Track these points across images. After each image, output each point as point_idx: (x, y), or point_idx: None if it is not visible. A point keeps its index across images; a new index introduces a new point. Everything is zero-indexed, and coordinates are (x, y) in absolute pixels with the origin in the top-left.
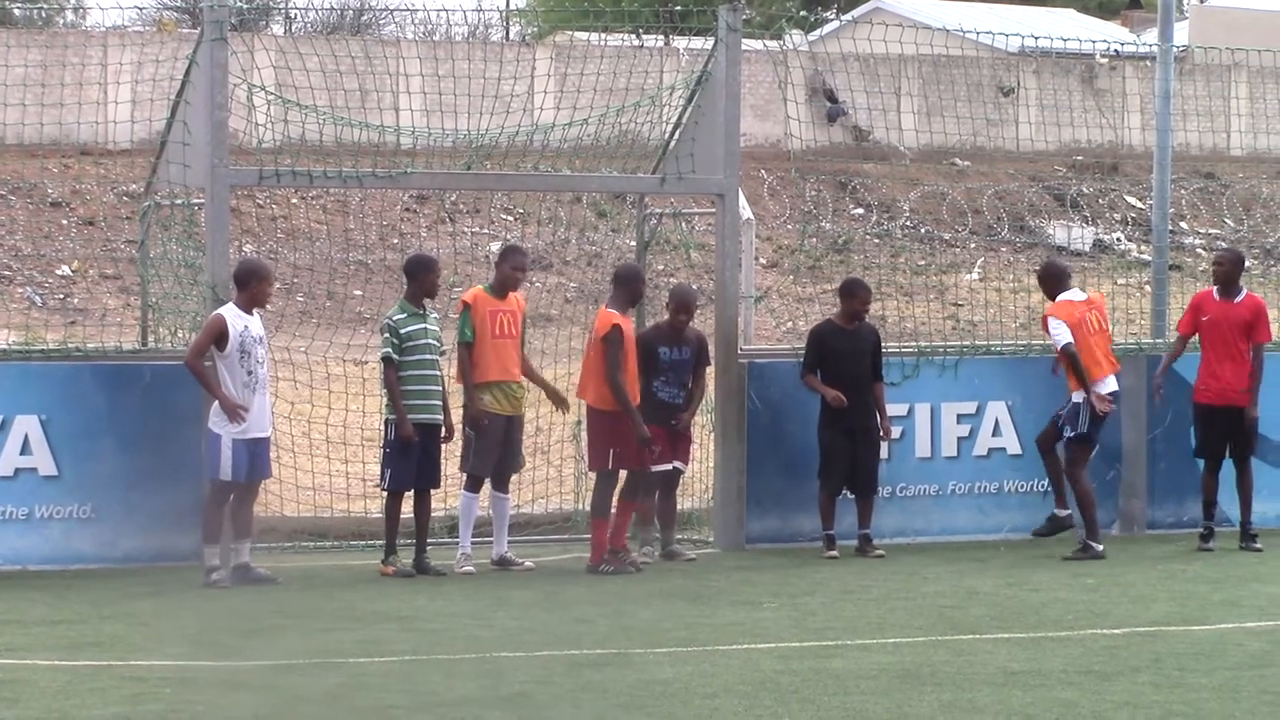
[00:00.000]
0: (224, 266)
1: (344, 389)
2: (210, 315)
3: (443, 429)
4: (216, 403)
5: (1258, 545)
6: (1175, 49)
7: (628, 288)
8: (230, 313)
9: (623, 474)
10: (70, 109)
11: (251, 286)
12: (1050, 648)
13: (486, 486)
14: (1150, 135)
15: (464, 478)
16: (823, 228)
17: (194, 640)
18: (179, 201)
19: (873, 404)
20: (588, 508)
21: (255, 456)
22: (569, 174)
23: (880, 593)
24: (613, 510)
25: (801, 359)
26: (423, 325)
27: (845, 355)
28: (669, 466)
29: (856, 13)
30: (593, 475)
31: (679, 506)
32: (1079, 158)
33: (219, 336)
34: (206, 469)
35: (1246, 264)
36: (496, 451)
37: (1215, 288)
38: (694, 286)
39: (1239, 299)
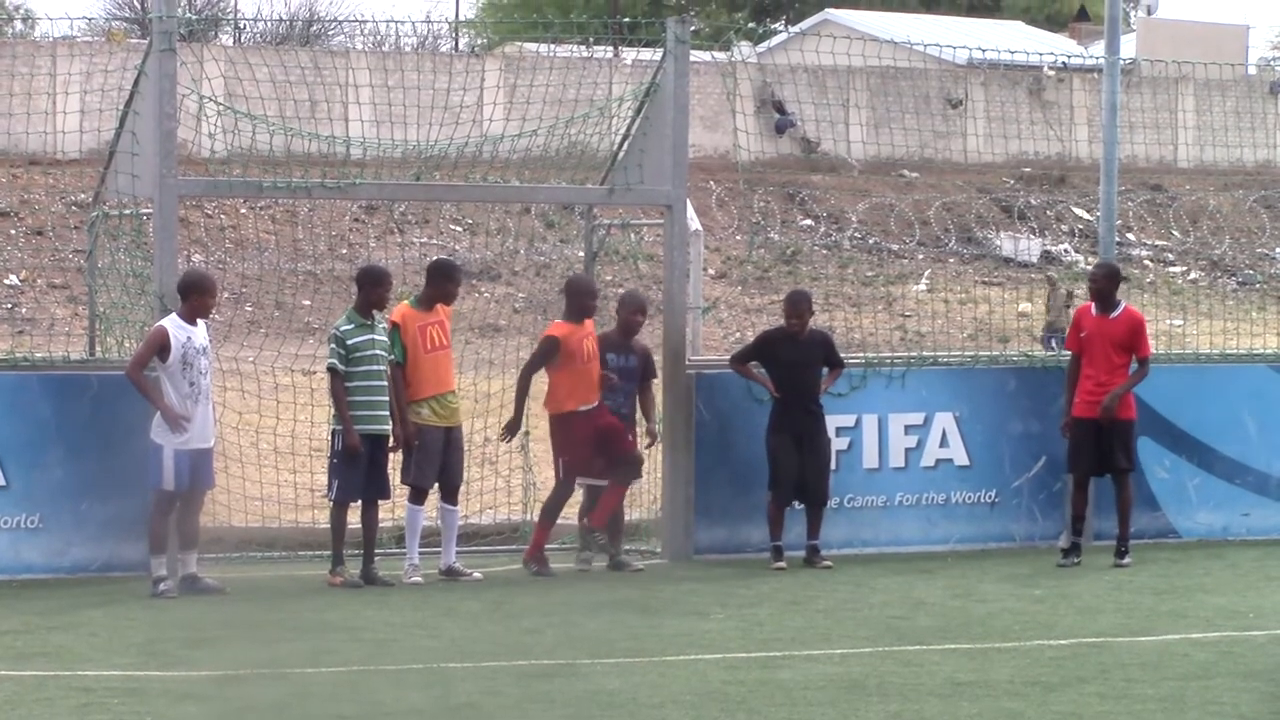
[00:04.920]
0: (172, 277)
1: (292, 399)
2: (153, 327)
3: (390, 439)
4: (159, 413)
5: (1125, 562)
6: (1122, 62)
7: (575, 300)
8: (172, 324)
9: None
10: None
11: (192, 298)
12: (997, 659)
13: (434, 497)
14: (1097, 147)
15: (409, 489)
16: (771, 239)
17: (142, 650)
18: (127, 211)
19: (820, 415)
20: (537, 517)
21: (197, 467)
22: (518, 185)
23: (827, 604)
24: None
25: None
26: (370, 336)
27: (792, 365)
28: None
29: (805, 25)
30: (540, 486)
31: (627, 517)
32: (1027, 169)
33: (161, 348)
34: (149, 479)
35: (1124, 276)
36: (437, 462)
37: (1092, 303)
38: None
39: (1115, 314)
